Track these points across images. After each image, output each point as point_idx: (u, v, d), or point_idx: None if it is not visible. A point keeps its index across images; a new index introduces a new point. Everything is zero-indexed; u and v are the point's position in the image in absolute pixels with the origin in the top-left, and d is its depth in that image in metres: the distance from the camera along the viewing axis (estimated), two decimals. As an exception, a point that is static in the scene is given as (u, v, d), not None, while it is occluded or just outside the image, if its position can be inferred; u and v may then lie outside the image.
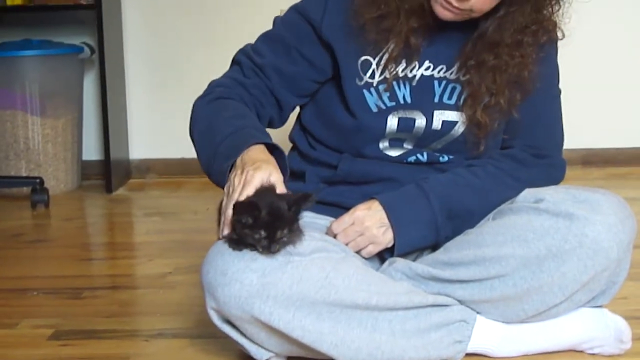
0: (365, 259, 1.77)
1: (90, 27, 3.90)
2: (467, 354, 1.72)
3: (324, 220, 1.85)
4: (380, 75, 1.80)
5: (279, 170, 1.63)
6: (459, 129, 1.82)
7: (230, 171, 1.66)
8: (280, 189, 1.59)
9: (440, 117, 1.81)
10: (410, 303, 1.63)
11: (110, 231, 3.38)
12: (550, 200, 1.65)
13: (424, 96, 1.81)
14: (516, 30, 1.75)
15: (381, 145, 1.84)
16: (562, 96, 1.92)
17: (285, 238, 1.55)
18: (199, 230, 3.03)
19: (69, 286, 2.46)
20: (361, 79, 1.81)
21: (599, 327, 1.74)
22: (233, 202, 1.57)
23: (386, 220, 1.75)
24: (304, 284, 1.56)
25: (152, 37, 4.05)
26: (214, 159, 1.72)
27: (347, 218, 1.76)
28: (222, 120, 1.77)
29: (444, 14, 1.71)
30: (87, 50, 3.86)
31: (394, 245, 1.76)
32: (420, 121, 1.81)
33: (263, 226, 1.53)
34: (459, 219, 1.78)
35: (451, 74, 1.81)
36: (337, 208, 1.84)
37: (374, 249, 1.76)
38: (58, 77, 3.78)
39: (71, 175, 3.89)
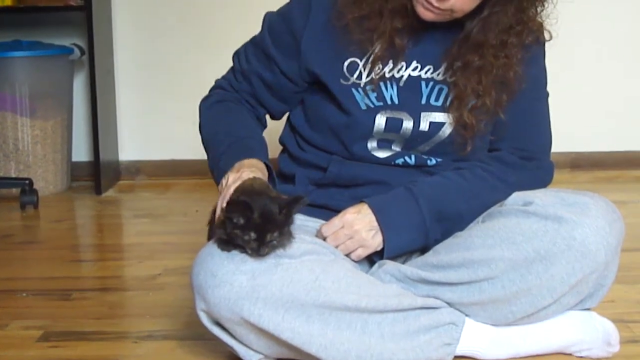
0: (355, 262, 1.77)
1: (80, 28, 3.89)
2: (456, 357, 1.72)
3: (313, 222, 1.85)
4: (367, 77, 1.81)
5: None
6: (446, 130, 1.82)
7: None
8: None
9: (427, 118, 1.82)
10: (399, 305, 1.64)
11: (99, 233, 3.37)
12: (539, 203, 1.66)
13: (411, 97, 1.82)
14: (500, 30, 1.75)
15: (369, 145, 1.84)
16: (550, 99, 1.92)
17: (275, 241, 1.56)
18: (188, 232, 3.03)
19: (58, 288, 2.45)
20: (347, 79, 1.81)
21: (587, 330, 1.74)
22: (224, 194, 1.60)
23: (375, 224, 1.75)
24: (294, 286, 1.57)
25: (142, 38, 4.05)
26: (218, 164, 1.79)
27: (336, 221, 1.77)
28: (225, 126, 1.87)
29: (425, 14, 1.72)
30: (77, 51, 3.86)
31: (383, 249, 1.77)
32: (408, 122, 1.82)
33: (254, 228, 1.54)
34: (448, 222, 1.78)
35: (438, 74, 1.82)
36: (326, 210, 1.85)
37: (363, 253, 1.77)
38: (48, 78, 3.77)
39: (60, 177, 3.88)
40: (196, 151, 3.94)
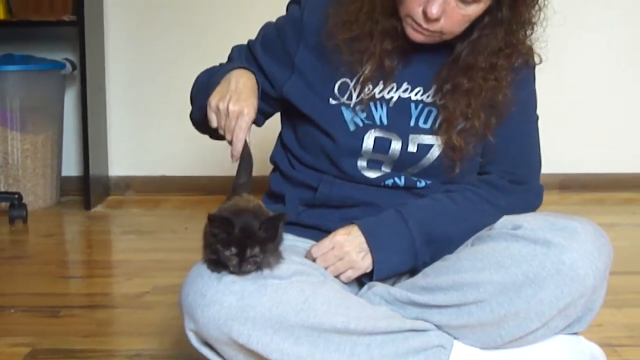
0: (344, 283, 1.77)
1: (72, 43, 3.90)
2: (444, 379, 1.72)
3: (303, 243, 1.85)
4: (357, 97, 1.81)
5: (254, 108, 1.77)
6: (435, 152, 1.83)
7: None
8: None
9: (415, 140, 1.82)
10: (388, 328, 1.64)
11: (88, 249, 3.37)
12: (528, 227, 1.66)
13: (400, 119, 1.82)
14: (490, 53, 1.76)
15: (359, 164, 1.85)
16: (540, 121, 1.93)
17: (258, 258, 1.55)
18: (177, 250, 3.03)
19: (47, 304, 2.45)
20: (337, 99, 1.82)
21: (574, 354, 1.74)
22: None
23: (365, 246, 1.76)
24: (283, 307, 1.56)
25: (133, 54, 4.05)
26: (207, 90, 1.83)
27: (327, 242, 1.77)
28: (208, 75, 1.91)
29: (415, 35, 1.73)
30: (68, 66, 3.86)
31: (372, 270, 1.77)
32: (396, 143, 1.82)
33: (234, 243, 1.54)
34: (437, 245, 1.78)
35: (428, 97, 1.82)
36: (316, 231, 1.84)
37: (352, 274, 1.77)
38: (39, 92, 3.77)
39: (50, 191, 3.88)
40: (186, 168, 3.98)
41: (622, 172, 4.07)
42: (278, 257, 1.61)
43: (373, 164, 1.85)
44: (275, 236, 1.59)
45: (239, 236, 1.53)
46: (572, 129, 4.02)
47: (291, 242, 1.80)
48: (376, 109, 1.82)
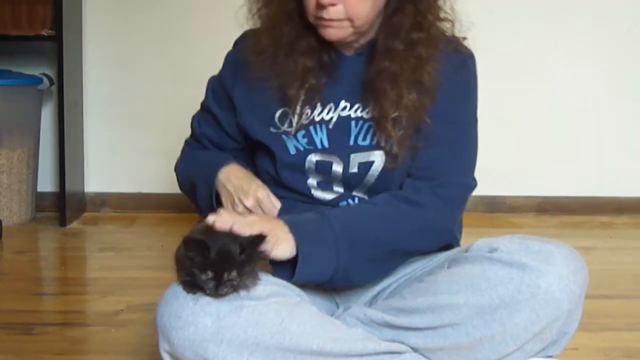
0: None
1: (50, 58, 3.89)
2: (419, 402, 1.72)
3: None
4: (297, 124, 1.84)
5: (262, 186, 1.85)
6: (377, 167, 1.83)
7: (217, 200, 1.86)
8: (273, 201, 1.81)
9: (356, 159, 1.83)
10: (364, 350, 1.63)
11: (63, 266, 3.34)
12: (504, 250, 1.66)
13: (340, 140, 1.84)
14: (406, 33, 1.77)
15: (309, 182, 1.87)
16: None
17: (235, 281, 1.55)
18: (153, 267, 3.02)
19: (20, 321, 2.43)
20: (278, 128, 1.85)
21: (549, 377, 1.75)
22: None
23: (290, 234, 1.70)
24: (259, 329, 1.56)
25: (112, 70, 4.04)
26: (196, 189, 1.91)
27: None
28: (195, 164, 1.98)
29: (327, 33, 1.76)
30: (46, 81, 3.85)
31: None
32: (337, 165, 1.84)
33: (210, 267, 1.53)
34: (360, 245, 1.73)
35: (367, 112, 1.83)
36: None
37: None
38: (16, 107, 3.75)
39: (25, 207, 3.85)
40: (162, 185, 3.97)
41: (600, 195, 4.08)
42: (255, 278, 1.61)
43: (324, 185, 1.87)
44: (253, 258, 1.58)
45: (216, 260, 1.53)
46: (549, 152, 4.04)
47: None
48: (316, 132, 1.84)
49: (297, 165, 1.85)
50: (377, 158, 1.82)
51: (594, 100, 4.04)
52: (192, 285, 1.56)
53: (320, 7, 1.71)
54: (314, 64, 1.81)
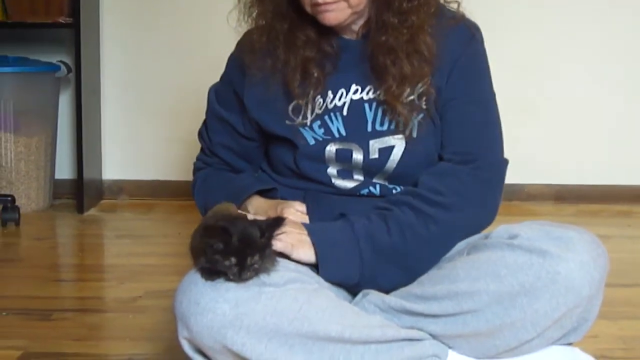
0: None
1: (67, 46, 3.90)
2: (438, 389, 1.71)
3: None
4: (311, 114, 1.83)
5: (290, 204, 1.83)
6: (397, 153, 1.82)
7: None
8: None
9: (376, 145, 1.82)
10: (383, 337, 1.63)
11: (80, 252, 3.35)
12: (524, 237, 1.65)
13: (356, 126, 1.83)
14: (398, 6, 1.76)
15: (329, 171, 1.86)
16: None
17: (257, 265, 1.55)
18: (170, 254, 3.02)
19: (39, 307, 2.44)
20: (293, 120, 1.84)
21: (569, 365, 1.74)
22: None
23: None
24: (278, 315, 1.55)
25: (129, 57, 4.05)
26: None
27: None
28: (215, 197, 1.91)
29: (326, 17, 1.75)
30: (63, 68, 3.85)
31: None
32: (357, 153, 1.83)
33: (233, 252, 1.53)
34: (385, 256, 1.74)
35: (379, 94, 1.82)
36: None
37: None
38: (33, 94, 3.76)
39: (43, 194, 3.86)
40: (180, 172, 3.97)
41: (618, 183, 4.06)
42: (274, 260, 1.61)
43: (344, 173, 1.86)
44: (271, 241, 1.58)
45: (238, 245, 1.52)
46: (567, 140, 4.02)
47: None
48: (332, 121, 1.83)
49: (317, 156, 1.85)
50: (397, 142, 1.82)
51: (613, 88, 4.02)
52: (210, 272, 1.56)
53: None
54: (315, 55, 1.81)
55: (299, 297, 1.59)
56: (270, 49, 1.83)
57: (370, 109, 1.82)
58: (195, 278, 1.58)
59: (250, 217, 1.66)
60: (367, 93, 1.82)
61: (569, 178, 4.05)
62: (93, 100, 3.93)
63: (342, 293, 1.78)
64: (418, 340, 1.68)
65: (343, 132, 1.83)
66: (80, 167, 3.79)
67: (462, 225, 1.79)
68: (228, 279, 1.55)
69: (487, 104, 1.88)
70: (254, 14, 1.86)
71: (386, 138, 1.82)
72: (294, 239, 1.71)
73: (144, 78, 4.05)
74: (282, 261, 1.64)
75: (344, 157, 1.84)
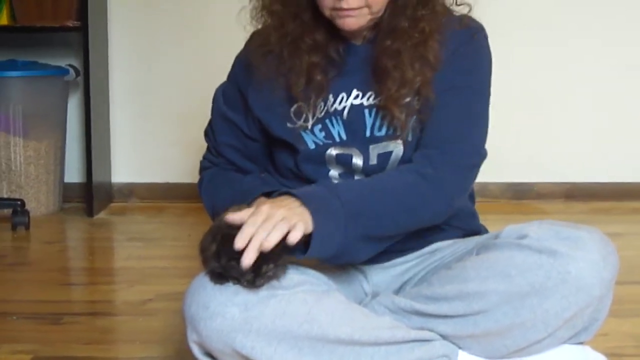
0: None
1: (76, 49, 3.90)
2: (449, 390, 1.71)
3: None
4: (312, 117, 1.82)
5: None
6: (396, 157, 1.81)
7: None
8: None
9: (375, 150, 1.82)
10: (393, 338, 1.63)
11: (90, 255, 3.36)
12: (533, 237, 1.65)
13: (356, 131, 1.82)
14: (412, 10, 1.75)
15: (331, 174, 1.85)
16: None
17: (271, 272, 1.55)
18: (181, 257, 3.02)
19: (49, 311, 2.44)
20: (294, 123, 1.83)
21: (580, 364, 1.74)
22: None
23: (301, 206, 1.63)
24: (287, 318, 1.55)
25: (137, 61, 4.05)
26: None
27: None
28: (222, 198, 1.89)
29: (346, 23, 1.73)
30: (72, 72, 3.86)
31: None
32: (357, 158, 1.82)
33: None
34: (364, 218, 1.67)
35: (380, 100, 1.80)
36: None
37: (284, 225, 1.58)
38: (42, 98, 3.76)
39: (52, 198, 3.87)
40: (190, 174, 3.97)
41: (629, 181, 4.05)
42: (285, 267, 1.60)
43: (345, 176, 1.85)
44: (285, 249, 1.57)
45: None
46: (577, 138, 4.01)
47: None
48: (332, 125, 1.82)
49: (318, 159, 1.84)
50: (396, 148, 1.81)
51: (623, 86, 4.00)
52: (220, 277, 1.56)
53: None
54: (320, 60, 1.79)
55: (308, 300, 1.59)
56: (276, 51, 1.83)
57: (370, 115, 1.81)
58: (204, 282, 1.58)
59: None
60: (368, 99, 1.81)
61: (579, 176, 4.04)
62: (102, 103, 3.94)
63: (352, 294, 1.78)
64: (428, 341, 1.67)
65: (344, 136, 1.82)
66: (90, 171, 3.79)
67: (425, 194, 1.72)
68: (239, 284, 1.55)
69: (474, 96, 1.83)
70: (266, 13, 1.85)
71: (385, 143, 1.81)
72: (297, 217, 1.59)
73: (153, 80, 4.06)
74: (289, 265, 1.63)
75: (344, 161, 1.83)
